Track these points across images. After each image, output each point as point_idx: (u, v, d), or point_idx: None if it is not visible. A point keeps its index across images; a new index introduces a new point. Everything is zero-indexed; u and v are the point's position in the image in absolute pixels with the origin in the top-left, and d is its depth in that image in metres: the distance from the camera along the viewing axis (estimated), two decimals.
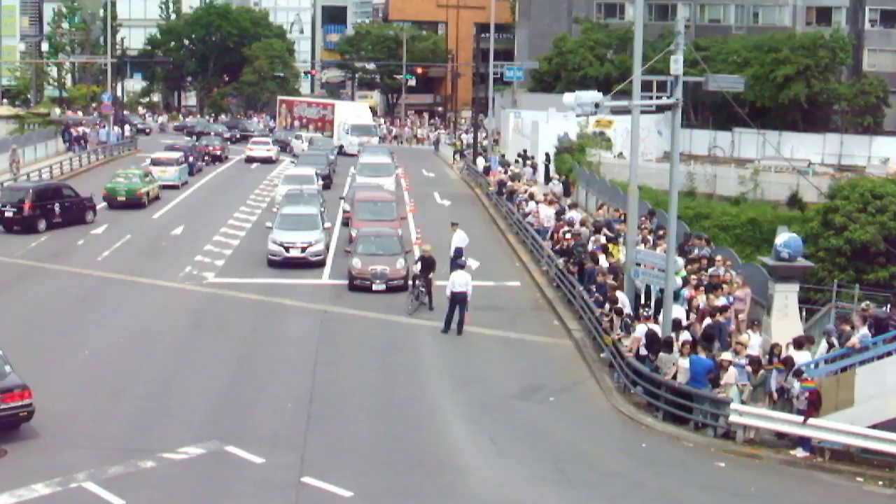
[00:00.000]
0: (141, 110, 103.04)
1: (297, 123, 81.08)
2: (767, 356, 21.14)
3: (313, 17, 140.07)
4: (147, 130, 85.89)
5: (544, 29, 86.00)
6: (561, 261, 30.51)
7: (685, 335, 22.13)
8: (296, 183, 42.97)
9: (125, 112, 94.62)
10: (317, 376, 22.97)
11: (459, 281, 26.84)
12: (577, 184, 49.60)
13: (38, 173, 51.32)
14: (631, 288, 26.00)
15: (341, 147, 69.11)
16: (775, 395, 20.01)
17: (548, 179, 53.28)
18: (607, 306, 25.10)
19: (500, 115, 74.54)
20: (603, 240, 30.95)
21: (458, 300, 26.67)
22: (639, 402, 21.71)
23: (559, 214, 36.28)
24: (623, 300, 24.81)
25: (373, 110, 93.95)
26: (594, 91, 26.91)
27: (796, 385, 19.49)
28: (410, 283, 29.69)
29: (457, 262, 29.51)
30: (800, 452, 19.55)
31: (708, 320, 22.91)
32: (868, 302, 24.41)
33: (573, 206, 42.79)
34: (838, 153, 68.61)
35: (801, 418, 19.24)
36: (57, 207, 39.93)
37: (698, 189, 52.73)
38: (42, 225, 39.13)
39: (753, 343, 21.56)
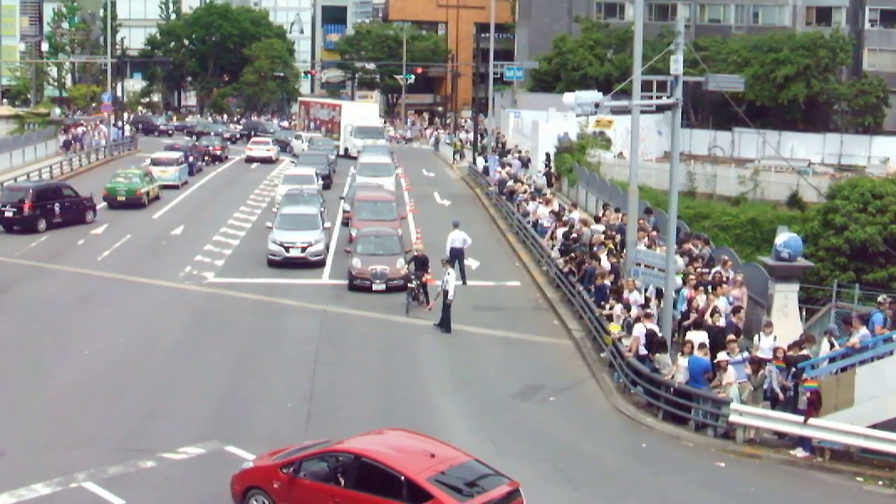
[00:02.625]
0: (140, 109, 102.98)
1: (311, 125, 79.78)
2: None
3: (313, 17, 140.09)
4: (170, 132, 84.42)
5: (544, 29, 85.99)
6: (561, 260, 30.53)
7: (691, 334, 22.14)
8: (296, 183, 42.95)
9: (148, 112, 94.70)
10: (317, 376, 22.98)
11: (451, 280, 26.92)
12: (562, 175, 50.16)
13: (38, 173, 51.29)
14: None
15: (346, 150, 67.03)
16: (781, 395, 19.96)
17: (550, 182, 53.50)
18: (608, 306, 25.08)
19: (500, 115, 74.54)
20: (602, 236, 30.96)
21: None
22: (639, 402, 21.71)
23: (559, 214, 36.24)
24: (634, 299, 24.78)
25: None
26: (594, 91, 27.05)
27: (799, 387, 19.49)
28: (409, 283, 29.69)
29: (447, 262, 29.36)
30: (800, 452, 19.55)
31: (708, 319, 22.88)
32: (885, 296, 24.21)
33: (574, 205, 42.86)
34: (838, 153, 68.65)
35: (801, 418, 19.24)
36: (57, 207, 39.93)
37: (698, 189, 52.78)
38: (42, 225, 39.13)
39: (764, 346, 21.49)
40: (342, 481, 14.48)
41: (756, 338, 22.28)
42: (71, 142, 65.23)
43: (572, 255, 30.00)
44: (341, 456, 14.77)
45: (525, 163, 54.55)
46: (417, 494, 13.66)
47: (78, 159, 58.98)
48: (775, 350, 20.80)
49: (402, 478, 13.81)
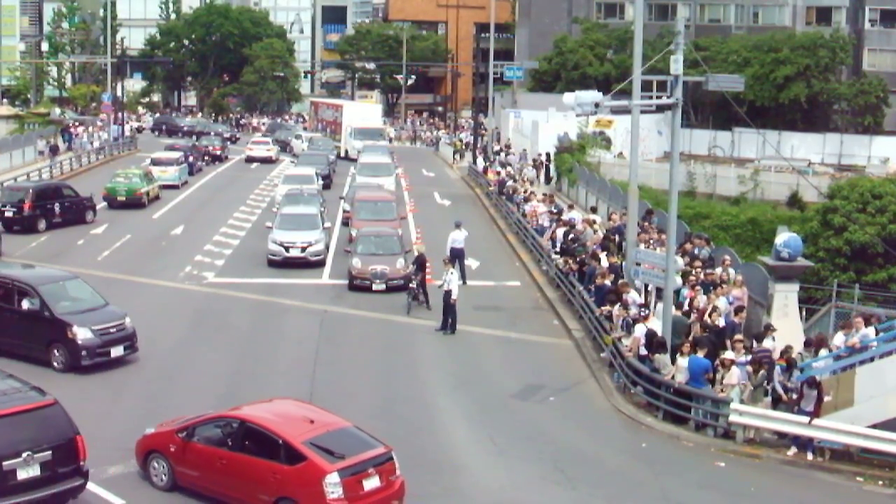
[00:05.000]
0: (141, 110, 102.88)
1: (320, 125, 79.07)
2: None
3: (313, 17, 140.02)
4: (193, 133, 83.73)
5: (544, 29, 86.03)
6: (561, 260, 30.53)
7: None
8: (296, 183, 42.95)
9: (172, 113, 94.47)
10: (317, 376, 22.99)
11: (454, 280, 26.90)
12: (562, 175, 50.37)
13: (38, 173, 51.28)
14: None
15: (346, 152, 65.57)
16: (784, 396, 19.93)
17: (548, 178, 53.58)
18: (606, 307, 25.06)
19: (500, 115, 74.52)
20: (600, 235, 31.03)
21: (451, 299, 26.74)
22: (639, 402, 21.71)
23: (559, 214, 36.25)
24: (633, 299, 24.79)
25: None
26: (594, 91, 27.03)
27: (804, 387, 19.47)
28: (411, 283, 29.68)
29: (448, 261, 29.32)
30: (797, 451, 19.53)
31: (707, 319, 22.89)
32: None
33: (572, 206, 42.85)
34: (838, 153, 68.69)
35: (801, 418, 19.21)
36: (57, 207, 39.94)
37: (698, 189, 52.80)
38: (42, 225, 39.13)
39: (765, 346, 21.48)
40: (230, 444, 15.83)
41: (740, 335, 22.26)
42: (58, 147, 62.31)
43: (572, 254, 29.99)
44: (230, 422, 16.10)
45: (520, 157, 54.84)
46: (293, 456, 15.10)
47: (77, 159, 58.89)
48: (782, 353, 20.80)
49: (280, 441, 15.26)
